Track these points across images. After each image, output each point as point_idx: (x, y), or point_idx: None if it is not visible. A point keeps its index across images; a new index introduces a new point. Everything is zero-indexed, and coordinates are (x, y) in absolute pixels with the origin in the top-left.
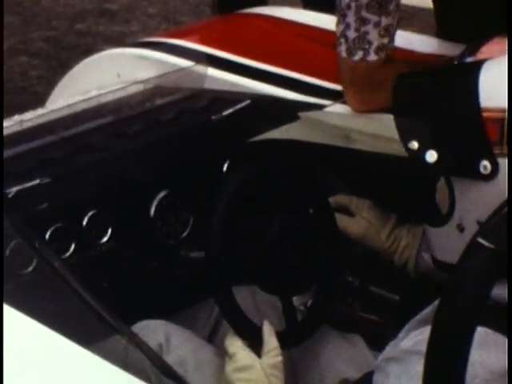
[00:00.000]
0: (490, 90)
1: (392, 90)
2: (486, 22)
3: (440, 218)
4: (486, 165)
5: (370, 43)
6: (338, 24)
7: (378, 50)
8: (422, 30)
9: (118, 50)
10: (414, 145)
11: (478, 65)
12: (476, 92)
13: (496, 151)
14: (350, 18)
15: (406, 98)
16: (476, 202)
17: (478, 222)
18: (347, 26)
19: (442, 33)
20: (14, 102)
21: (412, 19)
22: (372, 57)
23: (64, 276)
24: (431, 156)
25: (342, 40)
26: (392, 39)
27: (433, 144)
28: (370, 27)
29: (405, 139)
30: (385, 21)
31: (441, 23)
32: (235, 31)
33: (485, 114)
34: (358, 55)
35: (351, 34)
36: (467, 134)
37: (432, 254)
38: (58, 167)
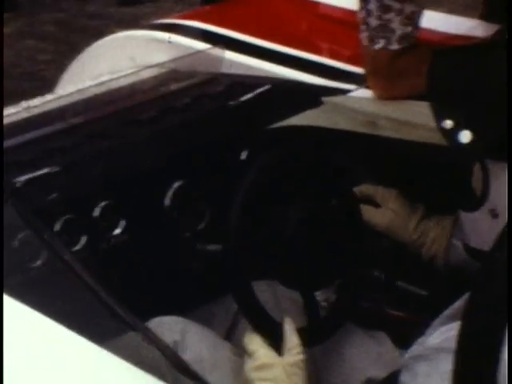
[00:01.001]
0: None
1: (428, 66)
2: None
3: (474, 202)
4: None
5: (392, 32)
6: (359, 10)
7: (401, 38)
8: (451, 11)
9: (131, 32)
10: (448, 124)
11: None
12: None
13: None
14: (372, 5)
15: (442, 74)
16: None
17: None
18: (368, 12)
19: (489, 14)
20: (21, 87)
21: (442, 1)
22: (394, 46)
23: (75, 270)
24: (465, 136)
25: (364, 27)
26: (416, 27)
27: (468, 123)
28: (392, 15)
29: (438, 117)
30: (408, 8)
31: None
32: (253, 12)
33: None
34: (380, 44)
35: (373, 22)
36: (505, 113)
37: (465, 242)
38: (67, 156)
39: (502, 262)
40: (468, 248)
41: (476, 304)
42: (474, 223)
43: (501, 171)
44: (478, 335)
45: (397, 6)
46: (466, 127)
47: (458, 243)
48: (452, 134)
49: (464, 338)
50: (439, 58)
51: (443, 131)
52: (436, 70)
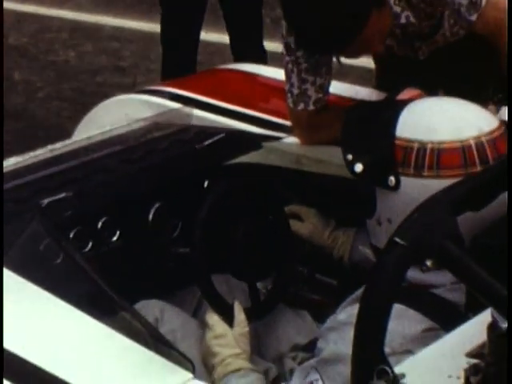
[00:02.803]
0: (404, 125)
1: (344, 117)
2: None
3: (368, 213)
4: (392, 179)
5: (309, 97)
6: (285, 83)
7: (316, 102)
8: (355, 82)
9: (126, 96)
10: (349, 157)
11: (402, 104)
12: (394, 124)
13: (400, 170)
14: (294, 79)
15: (348, 122)
16: (386, 206)
17: (388, 220)
18: (292, 84)
19: (379, 85)
20: (49, 134)
21: (348, 74)
22: (311, 107)
23: (83, 266)
24: (358, 167)
25: (289, 94)
26: (326, 93)
27: (361, 158)
28: (308, 85)
29: (344, 152)
30: (319, 80)
31: (379, 79)
32: (213, 81)
33: (396, 142)
34: (301, 106)
35: (295, 91)
36: (382, 153)
37: (370, 242)
38: (78, 184)
39: (387, 265)
40: (371, 245)
41: (368, 293)
42: (370, 228)
43: (381, 194)
44: (369, 313)
45: (311, 78)
46: (359, 161)
47: (360, 247)
48: (351, 165)
49: (360, 315)
50: (349, 114)
51: (346, 162)
52: (346, 122)
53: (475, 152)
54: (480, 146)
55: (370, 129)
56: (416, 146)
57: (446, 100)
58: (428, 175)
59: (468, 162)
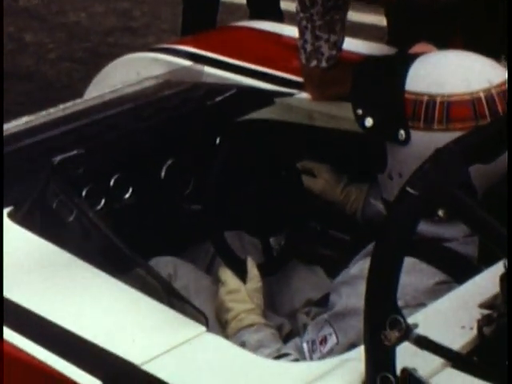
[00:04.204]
0: (413, 79)
1: (353, 72)
2: (425, 34)
3: (380, 168)
4: (402, 133)
5: (322, 54)
6: (298, 39)
7: (328, 59)
8: (365, 40)
9: (137, 54)
10: (359, 112)
11: (413, 58)
12: (404, 78)
13: (410, 124)
14: (307, 36)
15: (358, 77)
16: (397, 160)
17: (399, 174)
18: (305, 41)
19: (391, 41)
20: (61, 95)
21: (359, 32)
22: (324, 64)
23: (97, 223)
24: (368, 122)
25: (302, 51)
26: (339, 51)
27: (371, 112)
28: (322, 42)
29: (354, 107)
30: (333, 38)
31: (391, 34)
32: (225, 39)
33: (406, 95)
34: (314, 63)
35: (308, 47)
36: (393, 107)
37: (382, 196)
38: (90, 142)
39: (399, 216)
40: (383, 199)
41: (380, 246)
42: (382, 183)
43: (391, 149)
44: (381, 266)
45: (325, 36)
46: (370, 115)
47: (372, 201)
48: (361, 120)
49: (372, 268)
50: (358, 68)
51: (356, 117)
52: (356, 77)
53: (485, 104)
54: (490, 98)
55: (379, 83)
56: (425, 99)
57: (455, 53)
58: (438, 128)
59: (478, 114)
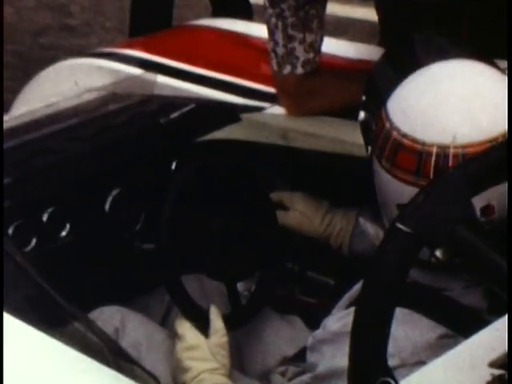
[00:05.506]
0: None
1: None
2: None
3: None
4: None
5: (297, 58)
6: (268, 41)
7: (304, 64)
8: (355, 39)
9: (75, 60)
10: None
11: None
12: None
13: None
14: (278, 36)
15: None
16: None
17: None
18: (276, 42)
19: (384, 42)
20: None
21: (347, 29)
22: (299, 70)
23: (25, 268)
24: (360, 115)
25: (273, 55)
26: (317, 54)
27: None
28: (296, 44)
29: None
30: (309, 37)
31: (384, 34)
32: (181, 42)
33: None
34: (287, 69)
35: (280, 50)
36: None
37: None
38: (19, 169)
39: (388, 256)
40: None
41: (366, 293)
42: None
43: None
44: (366, 319)
45: (299, 35)
46: (363, 109)
47: (361, 219)
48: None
49: (356, 322)
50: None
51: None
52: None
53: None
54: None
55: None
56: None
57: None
58: None
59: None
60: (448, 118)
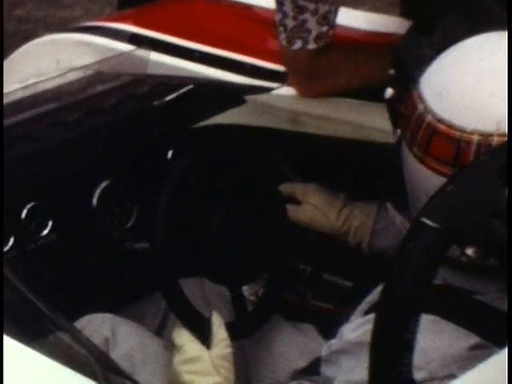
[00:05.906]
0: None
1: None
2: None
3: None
4: None
5: (308, 32)
6: (276, 13)
7: (317, 38)
8: (374, 9)
9: (57, 35)
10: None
11: None
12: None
13: None
14: (288, 7)
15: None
16: None
17: None
18: (285, 14)
19: (406, 12)
20: None
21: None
22: (311, 45)
23: (3, 271)
24: (388, 92)
25: (281, 29)
26: (332, 26)
27: (392, 85)
28: (307, 15)
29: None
30: (322, 8)
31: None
32: (178, 14)
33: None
34: (298, 44)
35: (289, 23)
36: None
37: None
38: None
39: (413, 255)
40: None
41: (387, 298)
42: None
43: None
44: (388, 328)
45: (311, 6)
46: (391, 86)
47: (388, 205)
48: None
49: (377, 332)
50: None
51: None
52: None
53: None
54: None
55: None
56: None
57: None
58: None
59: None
60: (491, 102)
